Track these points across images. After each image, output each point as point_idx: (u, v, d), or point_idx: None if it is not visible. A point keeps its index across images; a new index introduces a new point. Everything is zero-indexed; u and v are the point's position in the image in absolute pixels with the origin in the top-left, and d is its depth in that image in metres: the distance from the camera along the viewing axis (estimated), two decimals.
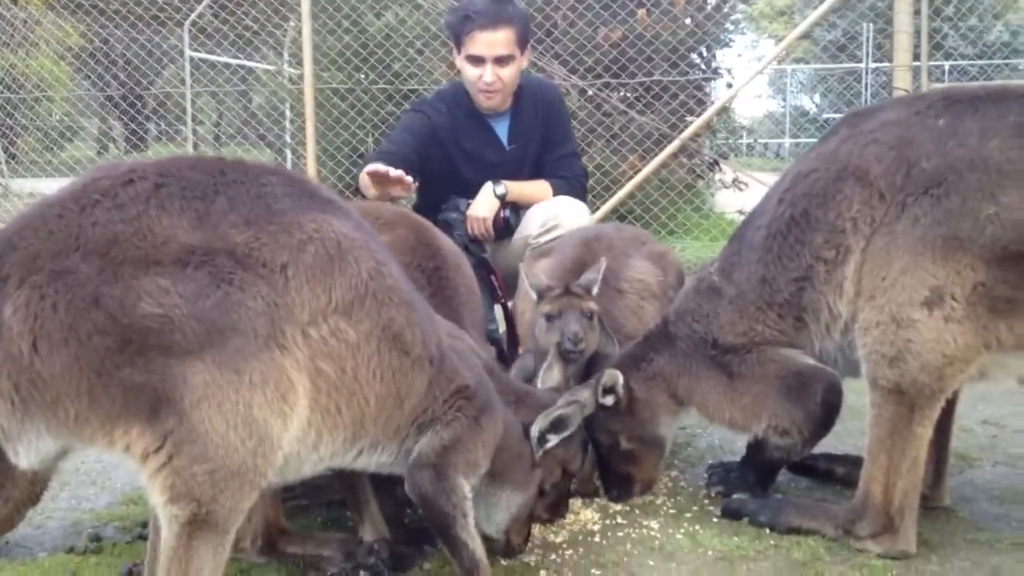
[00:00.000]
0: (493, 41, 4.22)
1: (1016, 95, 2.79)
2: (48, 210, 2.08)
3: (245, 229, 2.11)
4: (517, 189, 4.31)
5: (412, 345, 2.37)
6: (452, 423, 2.50)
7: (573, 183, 4.46)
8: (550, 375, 3.17)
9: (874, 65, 17.15)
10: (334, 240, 2.22)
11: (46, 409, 1.98)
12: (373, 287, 2.27)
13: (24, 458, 2.08)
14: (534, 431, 2.69)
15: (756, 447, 3.27)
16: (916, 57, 7.21)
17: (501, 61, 4.24)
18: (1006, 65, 19.15)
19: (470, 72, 4.29)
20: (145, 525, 3.10)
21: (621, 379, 3.18)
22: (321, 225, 2.21)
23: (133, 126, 12.16)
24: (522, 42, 4.31)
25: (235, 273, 2.04)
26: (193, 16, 11.31)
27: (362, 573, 2.71)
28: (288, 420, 2.10)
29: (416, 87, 9.35)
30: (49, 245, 2.00)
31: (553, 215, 4.23)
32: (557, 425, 2.72)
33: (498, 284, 4.26)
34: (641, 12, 9.54)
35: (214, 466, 2.00)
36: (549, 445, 2.73)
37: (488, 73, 4.23)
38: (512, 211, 4.32)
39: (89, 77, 12.86)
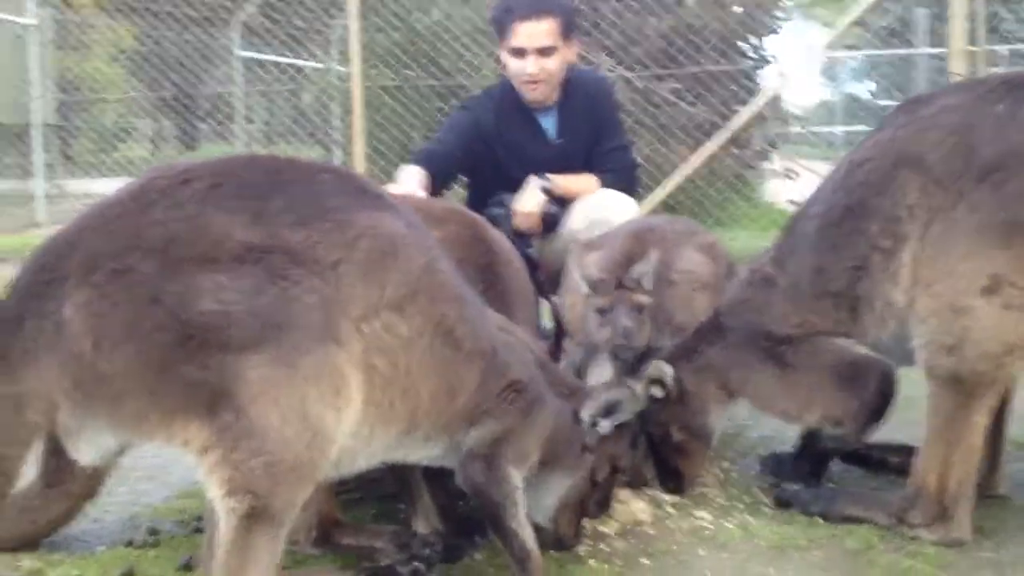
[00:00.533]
0: (534, 32, 4.21)
1: None
2: (107, 210, 2.13)
3: (300, 227, 2.14)
4: (563, 183, 4.29)
5: (463, 340, 2.38)
6: (503, 416, 2.52)
7: (621, 176, 4.42)
8: (602, 371, 3.16)
9: (928, 51, 16.83)
10: (387, 236, 2.25)
11: (108, 406, 2.03)
12: (425, 283, 2.29)
13: (85, 454, 2.14)
14: (585, 415, 2.68)
15: (809, 437, 3.25)
16: (972, 42, 7.08)
17: (544, 52, 4.23)
18: None
19: (513, 65, 4.29)
20: (202, 519, 3.14)
21: (669, 371, 3.17)
22: (374, 222, 2.24)
23: (185, 126, 12.33)
24: (566, 33, 4.29)
25: (290, 269, 2.07)
26: (242, 15, 11.43)
27: (416, 564, 2.72)
28: (342, 414, 2.12)
29: (464, 83, 9.36)
30: (109, 244, 2.05)
31: (598, 209, 4.20)
32: (609, 410, 2.70)
33: (543, 280, 4.25)
34: (689, 0, 9.46)
35: (271, 459, 2.02)
36: (603, 430, 2.71)
37: (531, 64, 4.23)
38: (558, 205, 4.29)
39: (142, 79, 13.04)
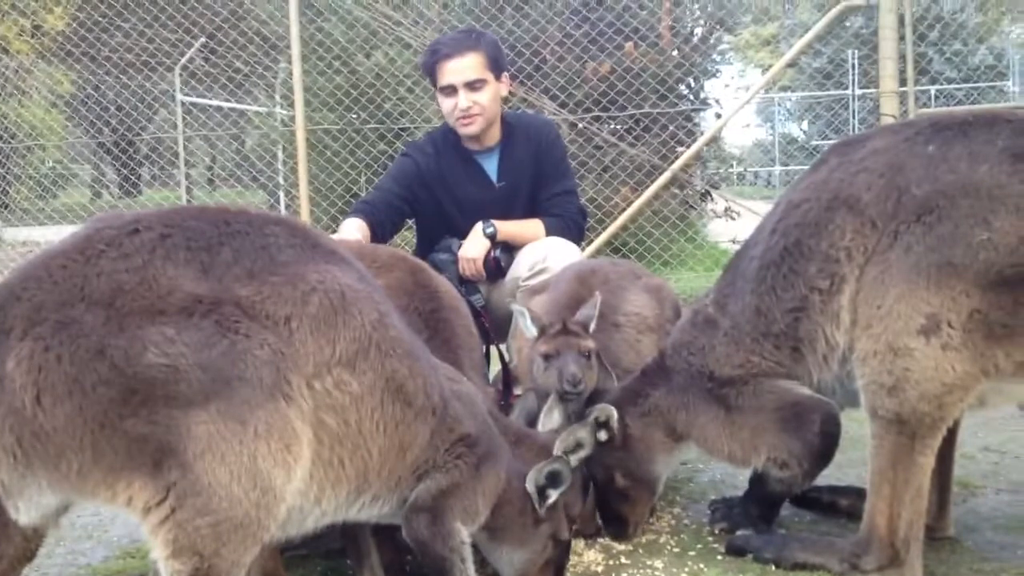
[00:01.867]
0: (460, 67, 4.26)
1: (1004, 120, 2.80)
2: (51, 260, 2.07)
3: (249, 281, 2.11)
4: (507, 229, 4.29)
5: (415, 396, 2.36)
6: (451, 470, 2.49)
7: (568, 223, 4.42)
8: (551, 417, 3.16)
9: (860, 92, 17.26)
10: (338, 292, 2.22)
11: (48, 463, 1.96)
12: (376, 338, 2.27)
13: (24, 514, 2.06)
14: (531, 487, 2.64)
15: (758, 481, 3.25)
16: (902, 83, 7.24)
17: (472, 86, 4.26)
18: (991, 88, 19.29)
19: (446, 105, 4.32)
20: None
21: (615, 414, 3.16)
22: (325, 276, 2.21)
23: (126, 172, 12.19)
24: (494, 67, 4.32)
25: (240, 323, 2.04)
26: (184, 60, 11.36)
27: None
28: (292, 472, 2.08)
29: (408, 125, 9.38)
30: (53, 296, 2.00)
31: (542, 256, 4.19)
32: (553, 479, 2.66)
33: (488, 327, 4.23)
34: (628, 45, 9.60)
35: (217, 519, 1.98)
36: (550, 500, 2.67)
37: (462, 99, 4.25)
38: (504, 251, 4.29)
39: (81, 124, 12.88)
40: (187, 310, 2.01)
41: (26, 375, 1.93)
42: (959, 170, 2.71)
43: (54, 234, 11.00)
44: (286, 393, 2.06)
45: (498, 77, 4.37)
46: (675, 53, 10.10)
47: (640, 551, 3.18)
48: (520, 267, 4.24)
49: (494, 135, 4.43)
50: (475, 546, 2.64)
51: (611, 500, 3.27)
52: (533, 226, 4.36)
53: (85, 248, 2.08)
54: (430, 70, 4.37)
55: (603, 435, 3.15)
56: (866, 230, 2.79)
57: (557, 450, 2.82)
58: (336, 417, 2.18)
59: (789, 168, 21.31)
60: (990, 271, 2.62)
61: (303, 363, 2.11)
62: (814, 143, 20.12)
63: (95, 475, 1.96)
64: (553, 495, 2.66)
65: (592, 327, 3.34)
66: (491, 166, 4.46)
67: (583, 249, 7.34)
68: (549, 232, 4.33)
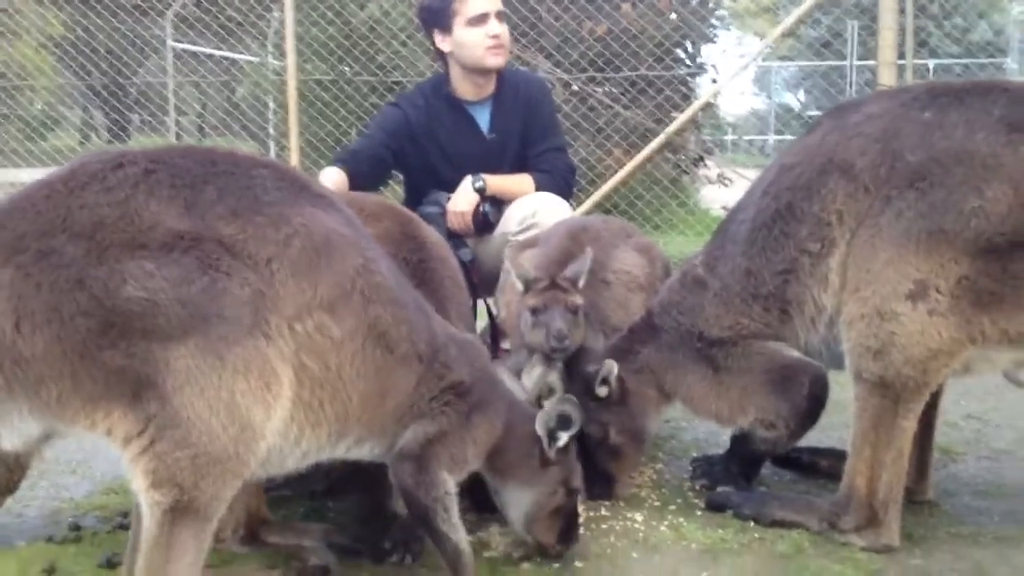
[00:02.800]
0: None
1: (1001, 89, 2.80)
2: (36, 192, 2.08)
3: (232, 220, 2.11)
4: (497, 183, 4.26)
5: (398, 343, 2.37)
6: (438, 417, 2.50)
7: (557, 178, 4.40)
8: (534, 372, 3.16)
9: (859, 63, 17.17)
10: (322, 235, 2.22)
11: (28, 389, 1.97)
12: (360, 284, 2.27)
13: (7, 440, 2.06)
14: (540, 429, 2.64)
15: (741, 440, 3.27)
16: (901, 55, 7.22)
17: (501, 16, 4.25)
18: (990, 64, 19.24)
19: (472, 36, 4.23)
20: (126, 515, 3.08)
21: (615, 369, 3.17)
22: (308, 220, 2.21)
23: (115, 115, 12.07)
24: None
25: (221, 260, 2.04)
26: (176, 6, 11.23)
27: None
28: (271, 410, 2.09)
29: (400, 79, 9.30)
30: (36, 225, 2.00)
31: (532, 211, 4.17)
32: (563, 422, 2.65)
33: (476, 281, 4.22)
34: (626, 6, 9.53)
35: (196, 452, 1.99)
36: (561, 443, 2.66)
37: (495, 25, 4.22)
38: (493, 206, 4.26)
39: (71, 66, 12.72)
40: (168, 245, 2.02)
41: (6, 302, 1.95)
42: (954, 137, 2.71)
43: (42, 175, 10.92)
44: (265, 332, 2.08)
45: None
46: (673, 16, 10.02)
47: (621, 504, 3.21)
48: (509, 222, 4.23)
49: (488, 87, 4.39)
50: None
51: (601, 458, 3.27)
52: (523, 181, 4.33)
53: (69, 180, 2.08)
54: (444, 5, 4.27)
55: (604, 391, 3.17)
56: (858, 194, 2.80)
57: (530, 396, 2.81)
58: (317, 360, 2.19)
59: (784, 137, 21.27)
60: (980, 239, 2.63)
61: (283, 305, 2.12)
62: (810, 113, 20.09)
63: (74, 403, 1.98)
64: (563, 437, 2.66)
65: (582, 283, 3.34)
66: (483, 118, 4.43)
67: (574, 209, 7.34)
68: (539, 187, 4.31)
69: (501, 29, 4.24)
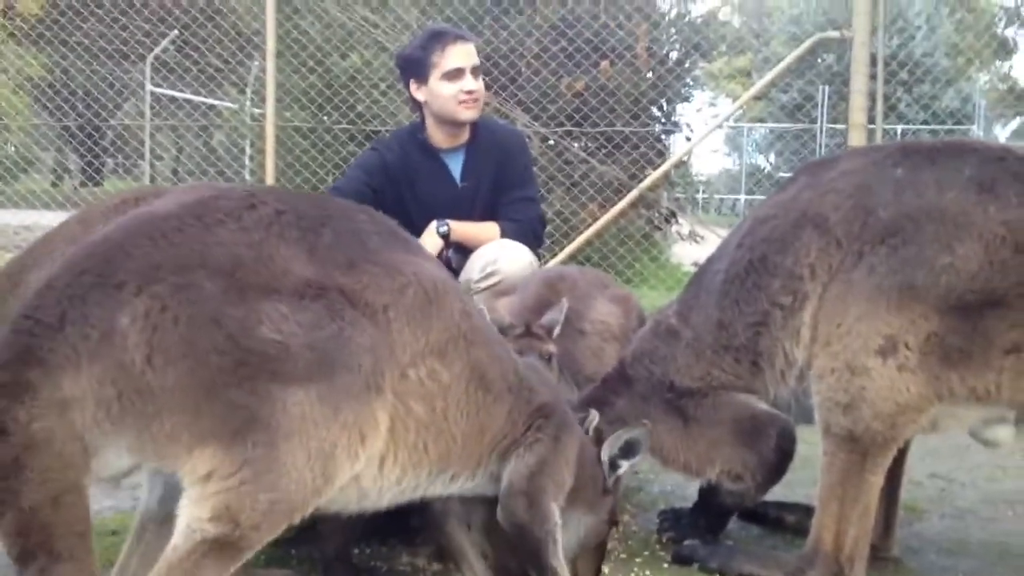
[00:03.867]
0: (469, 52, 4.27)
1: (971, 149, 2.86)
2: (162, 223, 2.06)
3: (349, 269, 2.14)
4: (462, 229, 4.26)
5: (494, 381, 2.44)
6: (534, 445, 2.54)
7: (525, 227, 4.40)
8: None
9: (829, 126, 17.48)
10: (431, 283, 2.29)
11: (141, 422, 1.93)
12: (464, 328, 2.35)
13: (93, 474, 1.99)
14: (604, 456, 2.69)
15: (708, 492, 3.27)
16: (871, 120, 7.35)
17: (477, 72, 4.28)
18: (957, 130, 19.64)
19: (447, 89, 4.27)
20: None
21: (598, 420, 3.16)
22: (417, 269, 2.28)
23: (90, 157, 12.04)
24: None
25: (346, 310, 2.07)
26: (157, 51, 11.27)
27: None
28: (355, 465, 2.11)
29: (379, 128, 9.35)
30: (171, 257, 1.99)
31: (493, 259, 4.13)
32: (628, 450, 2.70)
33: None
34: (604, 63, 9.66)
35: (277, 497, 1.98)
36: (621, 471, 2.71)
37: (470, 82, 4.25)
38: (457, 252, 4.26)
39: (47, 107, 12.71)
40: (299, 292, 2.04)
41: (140, 333, 1.91)
42: (926, 195, 2.76)
43: (12, 217, 10.85)
44: (379, 384, 2.11)
45: None
46: (650, 74, 10.17)
47: None
48: (472, 269, 4.21)
49: (463, 136, 4.43)
50: None
51: None
52: (489, 228, 4.33)
53: (201, 215, 2.08)
54: (423, 57, 4.29)
55: None
56: (831, 249, 2.83)
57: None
58: (424, 405, 2.24)
59: (755, 197, 21.52)
60: (951, 296, 2.67)
61: (399, 353, 2.16)
62: (781, 174, 20.38)
63: (183, 438, 1.94)
64: (624, 466, 2.71)
65: (557, 332, 3.35)
66: (456, 166, 4.45)
67: (548, 261, 7.37)
68: (505, 236, 4.29)
69: (476, 85, 4.28)
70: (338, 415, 2.02)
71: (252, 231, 2.08)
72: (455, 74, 4.25)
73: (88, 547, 1.90)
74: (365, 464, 2.14)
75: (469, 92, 4.25)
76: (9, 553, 1.84)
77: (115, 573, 2.34)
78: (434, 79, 4.29)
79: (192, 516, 1.97)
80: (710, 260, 3.23)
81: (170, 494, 2.11)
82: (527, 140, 5.09)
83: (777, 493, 3.27)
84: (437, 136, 4.40)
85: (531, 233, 4.42)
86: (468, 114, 4.31)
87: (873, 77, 7.48)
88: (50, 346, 1.89)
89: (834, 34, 7.35)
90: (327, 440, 2.01)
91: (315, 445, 1.99)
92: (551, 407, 2.60)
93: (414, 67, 4.36)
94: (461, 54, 4.26)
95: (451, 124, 4.35)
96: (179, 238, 2.03)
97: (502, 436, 2.50)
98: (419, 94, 4.38)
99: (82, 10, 10.28)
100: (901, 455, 3.03)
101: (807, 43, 7.73)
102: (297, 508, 2.03)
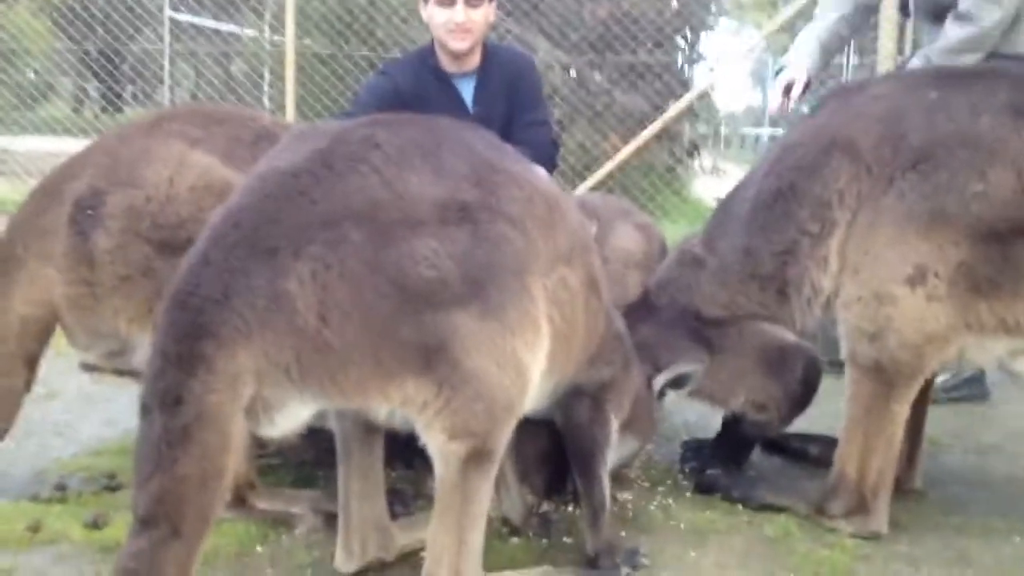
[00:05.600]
0: None
1: (1006, 74, 2.79)
2: (296, 181, 2.07)
3: (477, 183, 2.17)
4: None
5: (602, 288, 2.52)
6: (612, 363, 2.62)
7: (539, 150, 4.33)
8: None
9: (855, 61, 17.19)
10: (551, 192, 2.36)
11: (325, 377, 1.99)
12: (580, 235, 2.43)
13: (278, 427, 2.07)
14: (657, 384, 2.77)
15: (731, 423, 3.26)
16: (900, 51, 7.20)
17: (472, 3, 4.17)
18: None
19: (439, 16, 4.19)
20: (112, 476, 3.08)
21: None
22: (532, 177, 2.33)
23: (111, 82, 11.96)
24: None
25: (491, 225, 2.12)
26: None
27: None
28: (537, 359, 2.21)
29: (399, 56, 9.25)
30: (315, 215, 2.01)
31: None
32: (679, 381, 2.80)
33: None
34: None
35: (488, 403, 2.09)
36: (666, 397, 2.81)
37: (459, 12, 4.17)
38: None
39: (67, 32, 12.60)
40: (441, 217, 2.07)
41: (310, 295, 1.94)
42: (959, 120, 2.70)
43: (35, 143, 10.85)
44: (529, 291, 2.17)
45: (490, 2, 4.29)
46: (674, 2, 9.99)
47: (612, 483, 3.18)
48: None
49: (474, 60, 4.35)
50: None
51: None
52: None
53: (332, 164, 2.09)
54: None
55: None
56: (861, 175, 2.78)
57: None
58: (559, 311, 2.28)
59: (778, 131, 21.30)
60: (981, 224, 2.63)
61: (537, 262, 2.21)
62: (805, 109, 20.12)
63: (372, 383, 2.02)
64: (673, 398, 2.84)
65: None
66: (467, 91, 4.39)
67: (569, 190, 7.31)
68: None
69: (466, 16, 4.17)
70: (504, 324, 2.10)
71: (382, 171, 2.09)
72: (447, 1, 4.17)
73: (204, 537, 1.94)
74: (541, 360, 2.23)
75: (458, 22, 4.16)
76: (135, 509, 1.88)
77: (340, 496, 2.48)
78: (431, 2, 4.21)
79: (435, 446, 2.12)
80: (738, 188, 3.18)
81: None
82: (548, 67, 5.00)
83: (798, 425, 3.26)
84: (445, 60, 4.33)
85: (546, 156, 4.37)
86: (458, 44, 4.23)
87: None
88: (221, 319, 1.92)
89: None
90: (505, 347, 2.10)
91: (497, 353, 2.09)
92: (624, 335, 2.69)
93: None
94: None
95: (445, 51, 4.29)
96: (316, 193, 2.04)
97: (597, 351, 2.56)
98: (424, 14, 4.32)
99: None
100: (926, 387, 3.02)
101: None
102: (511, 407, 2.14)
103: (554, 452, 2.79)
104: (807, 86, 3.98)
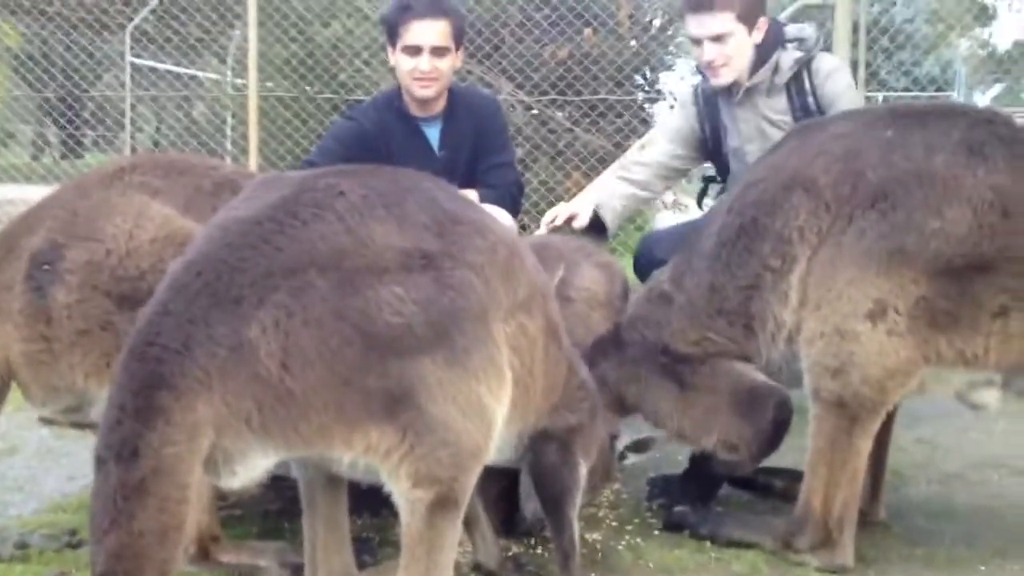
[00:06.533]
0: (430, 30, 4.18)
1: (961, 112, 2.85)
2: (258, 228, 2.06)
3: (440, 233, 2.17)
4: None
5: (562, 337, 2.52)
6: (576, 410, 2.62)
7: (503, 192, 4.38)
8: None
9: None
10: (512, 242, 2.38)
11: (288, 426, 1.97)
12: (539, 283, 2.44)
13: (238, 478, 2.05)
14: (620, 447, 2.77)
15: (699, 460, 3.27)
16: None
17: (438, 52, 4.20)
18: (937, 97, 19.61)
19: (406, 64, 4.23)
20: (74, 532, 3.02)
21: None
22: (494, 226, 2.35)
23: (71, 129, 11.90)
24: (457, 38, 4.27)
25: (455, 273, 2.12)
26: (136, 21, 11.12)
27: None
28: (502, 405, 2.22)
29: (362, 98, 9.27)
30: (279, 262, 2.00)
31: None
32: (641, 446, 2.81)
33: None
34: (587, 31, 9.59)
35: (454, 449, 2.08)
36: (627, 463, 2.82)
37: (424, 61, 4.19)
38: None
39: (26, 78, 12.54)
40: (405, 265, 2.07)
41: (272, 342, 1.93)
42: (915, 158, 2.76)
43: None
44: (493, 338, 2.17)
45: (457, 48, 4.33)
46: (633, 42, 10.11)
47: (580, 523, 3.17)
48: None
49: (440, 104, 4.38)
50: None
51: None
52: (466, 196, 4.30)
53: (296, 212, 2.09)
54: (393, 25, 4.25)
55: None
56: (820, 212, 2.83)
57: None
58: (518, 359, 2.29)
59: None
60: (939, 260, 2.67)
61: (497, 309, 2.21)
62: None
63: (336, 430, 2.01)
64: (631, 459, 2.83)
65: None
66: (434, 135, 4.42)
67: (533, 231, 7.33)
68: (484, 202, 4.27)
69: (431, 66, 4.20)
70: (468, 371, 2.10)
71: (346, 219, 2.10)
72: (413, 50, 4.20)
73: None
74: (505, 406, 2.23)
75: (422, 71, 4.20)
76: (93, 566, 1.86)
77: (306, 546, 2.46)
78: (398, 49, 4.25)
79: (400, 493, 2.10)
80: (701, 224, 3.21)
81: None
82: (510, 108, 5.03)
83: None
84: (411, 105, 4.36)
85: (509, 198, 4.41)
86: (424, 92, 4.27)
87: (855, 44, 7.46)
88: (180, 370, 1.90)
89: (816, 0, 7.31)
90: (470, 393, 2.10)
91: (462, 399, 2.08)
92: (589, 385, 2.71)
93: (389, 30, 4.34)
94: (422, 32, 4.18)
95: (412, 96, 4.31)
96: (280, 241, 2.04)
97: (558, 399, 2.56)
98: (391, 60, 4.36)
99: None
100: (888, 420, 3.04)
101: (789, 10, 7.71)
102: (478, 451, 2.14)
103: (509, 490, 2.81)
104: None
